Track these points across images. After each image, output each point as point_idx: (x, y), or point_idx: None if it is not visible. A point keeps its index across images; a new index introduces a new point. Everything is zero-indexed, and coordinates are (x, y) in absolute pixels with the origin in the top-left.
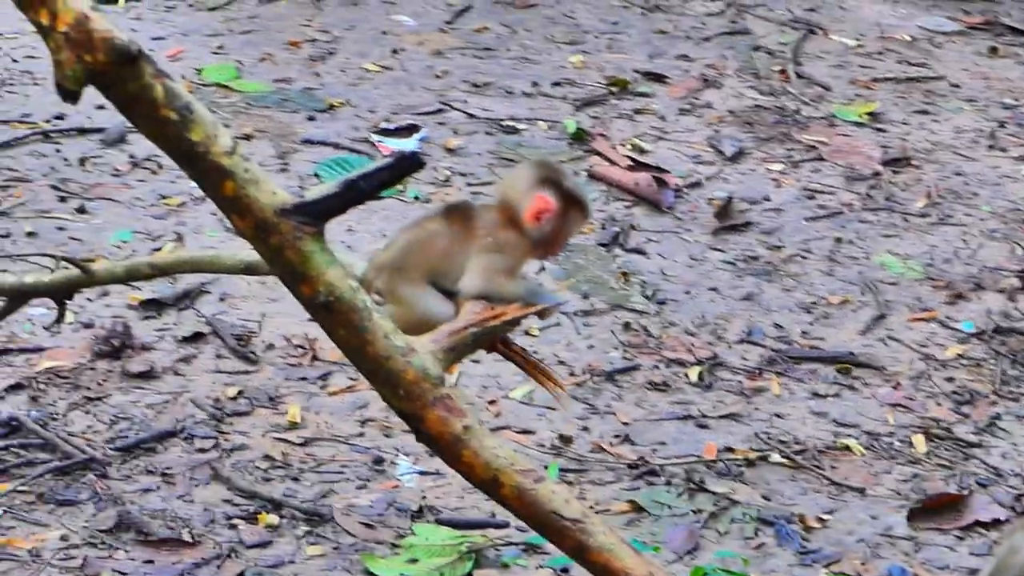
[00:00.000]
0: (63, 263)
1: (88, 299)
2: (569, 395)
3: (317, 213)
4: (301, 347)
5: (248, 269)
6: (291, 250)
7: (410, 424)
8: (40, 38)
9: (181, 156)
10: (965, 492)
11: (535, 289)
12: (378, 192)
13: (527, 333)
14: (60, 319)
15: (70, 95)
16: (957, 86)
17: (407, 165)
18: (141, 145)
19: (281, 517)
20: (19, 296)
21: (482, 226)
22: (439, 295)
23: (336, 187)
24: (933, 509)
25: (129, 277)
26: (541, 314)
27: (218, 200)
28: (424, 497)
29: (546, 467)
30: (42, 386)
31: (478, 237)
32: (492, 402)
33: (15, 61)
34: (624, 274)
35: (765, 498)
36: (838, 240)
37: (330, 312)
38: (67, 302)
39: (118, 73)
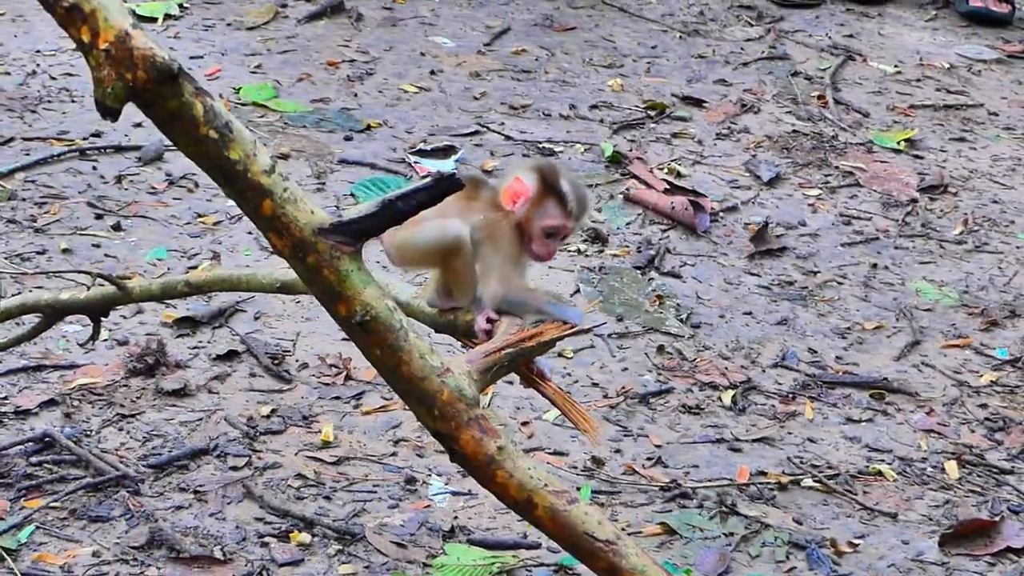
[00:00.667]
0: (99, 280)
1: (123, 316)
2: (599, 433)
3: (355, 233)
4: (335, 366)
5: (283, 288)
6: (328, 269)
7: (444, 444)
8: (79, 55)
9: (220, 174)
10: (997, 518)
11: (552, 300)
12: (416, 212)
13: (561, 355)
14: (95, 336)
15: (110, 112)
16: (995, 114)
17: (445, 185)
18: (177, 163)
19: (313, 536)
20: (55, 313)
21: (481, 201)
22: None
23: (374, 207)
24: (964, 535)
25: (164, 295)
26: (577, 333)
27: (256, 219)
28: (456, 517)
29: (579, 489)
30: (76, 403)
31: (475, 211)
32: (525, 423)
33: (53, 79)
34: (659, 297)
35: (797, 522)
36: (874, 266)
37: (366, 331)
38: (102, 319)
39: (158, 91)
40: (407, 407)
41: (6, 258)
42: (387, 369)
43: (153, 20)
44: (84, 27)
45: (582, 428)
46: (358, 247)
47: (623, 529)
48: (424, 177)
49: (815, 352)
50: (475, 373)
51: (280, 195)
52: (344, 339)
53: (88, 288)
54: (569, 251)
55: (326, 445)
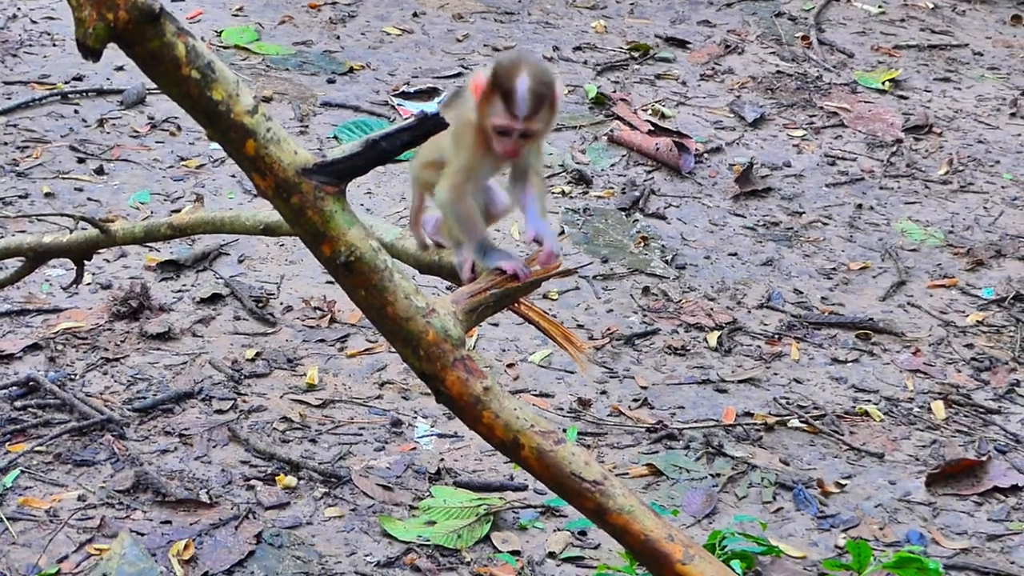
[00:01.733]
0: (81, 223)
1: (106, 260)
2: (589, 357)
3: (339, 173)
4: (319, 309)
5: (267, 230)
6: (312, 210)
7: (430, 385)
8: None
9: (202, 115)
10: (984, 458)
11: (486, 243)
12: (400, 152)
13: (546, 296)
14: (78, 280)
15: (91, 53)
16: (980, 54)
17: (429, 125)
18: (160, 106)
19: (299, 479)
20: (38, 256)
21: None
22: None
23: (358, 147)
24: (951, 475)
25: (148, 237)
26: (562, 275)
27: (239, 159)
28: (442, 460)
29: (565, 431)
30: (60, 347)
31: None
32: (511, 365)
33: (34, 22)
34: (644, 238)
35: (783, 463)
36: (859, 206)
37: (351, 272)
38: (85, 263)
39: (140, 31)
40: (392, 348)
41: None
42: (372, 310)
43: None
44: None
45: (571, 352)
46: (342, 187)
47: (610, 470)
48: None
49: (801, 293)
50: (461, 314)
51: (263, 135)
52: (328, 282)
53: (71, 231)
54: (554, 192)
55: (311, 388)
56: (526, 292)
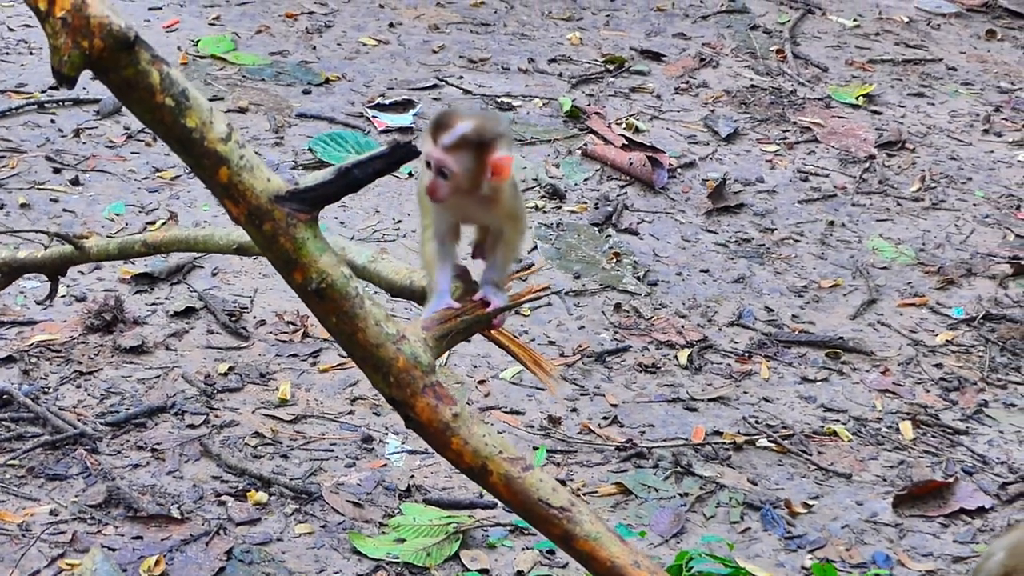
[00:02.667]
0: (56, 239)
1: (81, 272)
2: (559, 379)
3: (311, 200)
4: (292, 324)
5: (240, 249)
6: (284, 237)
7: (400, 411)
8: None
9: (176, 142)
10: (951, 479)
11: (436, 280)
12: (372, 180)
13: (518, 313)
14: (52, 295)
15: (66, 80)
16: (954, 69)
17: (402, 154)
18: (136, 118)
19: (270, 494)
20: (12, 271)
21: None
22: None
23: (330, 175)
24: (918, 496)
25: (122, 254)
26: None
27: (212, 186)
28: (412, 476)
29: (535, 448)
30: (34, 360)
31: None
32: (482, 382)
33: (11, 30)
34: (616, 254)
35: (752, 482)
36: (831, 223)
37: (322, 299)
38: (60, 278)
39: (115, 59)
40: (364, 374)
41: None
42: (343, 336)
43: None
44: None
45: (540, 376)
46: (314, 215)
47: (578, 488)
48: (382, 132)
49: (771, 311)
50: (431, 340)
51: (236, 163)
52: None
53: (45, 247)
54: (527, 207)
55: (283, 403)
56: (496, 319)
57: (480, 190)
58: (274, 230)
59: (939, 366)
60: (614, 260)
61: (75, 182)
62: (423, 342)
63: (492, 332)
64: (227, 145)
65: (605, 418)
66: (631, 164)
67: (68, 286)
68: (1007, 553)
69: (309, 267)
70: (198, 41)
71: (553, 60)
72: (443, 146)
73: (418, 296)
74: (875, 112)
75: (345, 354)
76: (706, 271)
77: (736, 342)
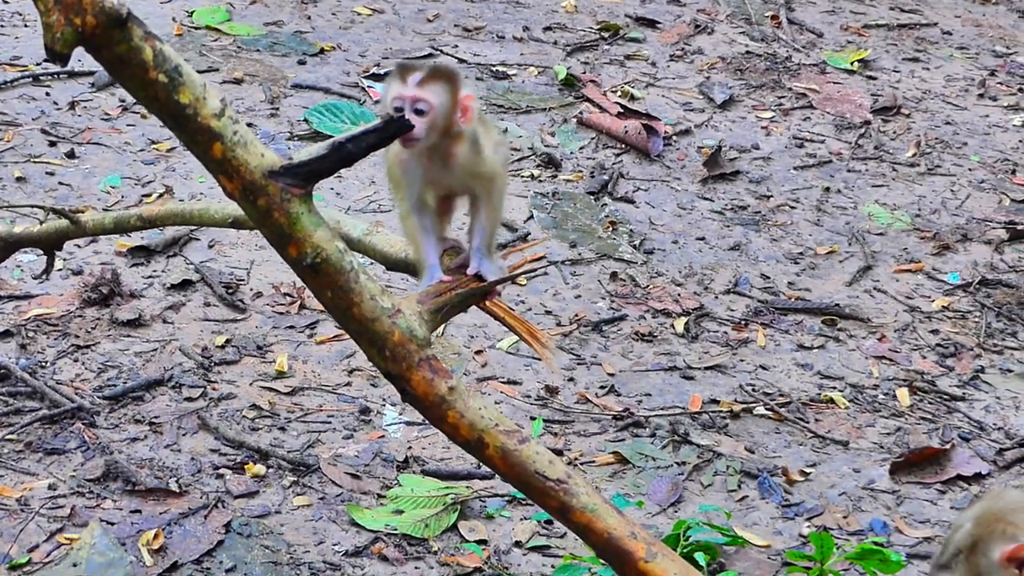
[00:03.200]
0: (52, 213)
1: (77, 246)
2: (555, 351)
3: (305, 175)
4: (289, 295)
5: (236, 223)
6: (279, 212)
7: (396, 385)
8: None
9: (170, 118)
10: (947, 446)
11: (423, 256)
12: (366, 154)
13: (514, 282)
14: (48, 270)
15: (59, 57)
16: (949, 33)
17: (395, 128)
18: (129, 94)
19: (268, 467)
20: (8, 246)
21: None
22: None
23: (324, 149)
24: (915, 463)
25: (118, 228)
26: (526, 273)
27: (206, 162)
28: (410, 448)
29: (532, 419)
30: (31, 333)
31: None
32: (479, 352)
33: (6, 2)
34: (612, 223)
35: (749, 451)
36: (826, 190)
37: (317, 273)
38: (56, 252)
39: (108, 36)
40: (359, 348)
41: None
42: (338, 310)
43: None
44: None
45: (537, 348)
46: (308, 189)
47: (576, 458)
48: (376, 103)
49: (767, 278)
50: (426, 313)
51: (230, 138)
52: None
53: (42, 221)
54: (523, 176)
55: (280, 375)
56: (491, 291)
57: (451, 134)
58: (268, 205)
59: (935, 332)
60: (610, 229)
61: (71, 155)
62: (418, 316)
63: (488, 304)
64: (220, 121)
65: (602, 387)
66: (626, 132)
67: (64, 259)
68: (974, 523)
69: (304, 242)
70: (193, 12)
71: (548, 28)
72: (415, 82)
73: (413, 269)
74: (870, 77)
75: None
76: (702, 239)
77: (732, 310)
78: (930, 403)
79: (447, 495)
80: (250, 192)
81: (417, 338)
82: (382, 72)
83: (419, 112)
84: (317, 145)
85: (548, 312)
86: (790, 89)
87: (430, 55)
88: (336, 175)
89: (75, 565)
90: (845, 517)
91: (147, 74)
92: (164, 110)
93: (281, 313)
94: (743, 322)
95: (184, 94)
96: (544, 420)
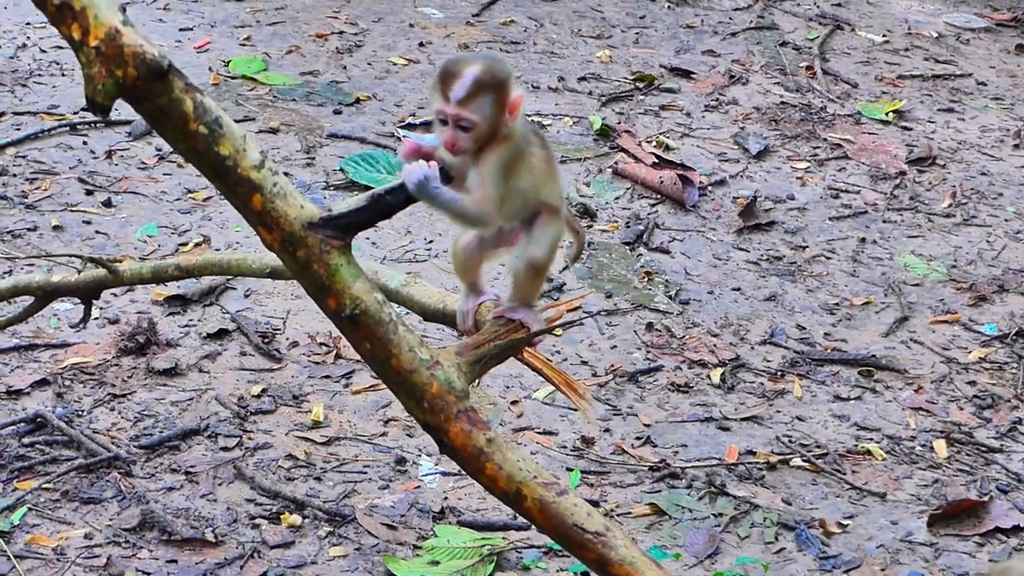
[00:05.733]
0: (90, 263)
1: (114, 295)
2: (592, 402)
3: (344, 227)
4: (325, 345)
5: (273, 273)
6: (318, 263)
7: (434, 436)
8: None
9: (209, 169)
10: (985, 498)
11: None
12: (405, 207)
13: (550, 333)
14: (86, 319)
15: (101, 109)
16: (983, 84)
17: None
18: (169, 145)
19: (304, 517)
20: (46, 295)
21: None
22: None
23: (363, 201)
24: (953, 515)
25: (155, 278)
26: (566, 325)
27: (246, 213)
28: (446, 498)
29: (569, 470)
30: (68, 382)
31: None
32: (515, 402)
33: (43, 51)
34: (648, 273)
35: (786, 502)
36: (862, 240)
37: (356, 325)
38: (93, 301)
39: (148, 87)
40: (397, 399)
41: None
42: (377, 362)
43: None
44: (75, 24)
45: (574, 399)
46: (347, 241)
47: (612, 510)
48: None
49: (804, 328)
50: (464, 365)
51: (270, 190)
52: None
53: (79, 271)
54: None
55: (316, 425)
56: (528, 343)
57: (498, 137)
58: (307, 257)
59: (972, 383)
60: (646, 279)
61: (107, 204)
62: (456, 367)
63: (525, 355)
64: (260, 172)
65: (638, 438)
66: (662, 182)
67: (101, 308)
68: None
69: (343, 293)
70: (229, 61)
71: (583, 78)
72: (458, 99)
73: (450, 320)
74: (905, 128)
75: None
76: (738, 289)
77: (769, 360)
78: (967, 455)
79: (483, 546)
80: (289, 244)
81: (455, 390)
82: (417, 122)
83: (464, 128)
84: (356, 197)
85: (584, 363)
86: (825, 140)
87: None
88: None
89: None
90: (883, 570)
91: (187, 126)
92: (204, 161)
93: (317, 363)
94: (779, 373)
95: (224, 146)
96: (580, 471)
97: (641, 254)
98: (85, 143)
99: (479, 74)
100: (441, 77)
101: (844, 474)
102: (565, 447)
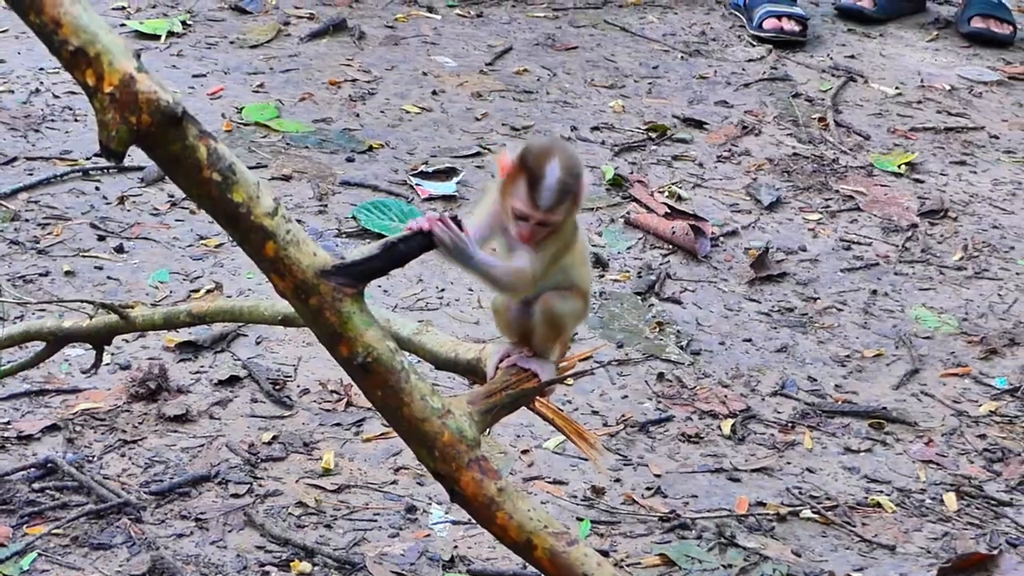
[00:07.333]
0: (102, 308)
1: (125, 340)
2: (603, 452)
3: (357, 275)
4: (336, 392)
5: (285, 321)
6: (330, 311)
7: (444, 485)
8: None
9: (222, 216)
10: (995, 552)
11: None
12: (418, 255)
13: (561, 382)
14: (97, 365)
15: (114, 155)
16: (996, 137)
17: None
18: (182, 191)
19: (314, 565)
20: (58, 340)
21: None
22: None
23: (376, 249)
24: (963, 568)
25: (167, 324)
26: (577, 375)
27: (258, 260)
28: (456, 547)
29: (579, 520)
30: (78, 428)
31: None
32: (525, 451)
33: (56, 97)
34: (659, 323)
35: (796, 554)
36: (873, 292)
37: (368, 373)
38: (105, 347)
39: (162, 134)
40: (408, 447)
41: (8, 280)
42: (388, 410)
43: (156, 37)
44: (89, 70)
45: (585, 449)
46: (360, 289)
47: (622, 560)
48: (425, 199)
49: (814, 380)
50: (476, 414)
51: (283, 237)
52: None
53: (91, 316)
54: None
55: (327, 472)
56: (540, 392)
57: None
58: (320, 304)
59: (983, 437)
60: (657, 329)
61: (119, 250)
62: (468, 416)
63: (537, 404)
64: (274, 220)
65: (648, 488)
66: (674, 233)
67: (112, 354)
68: None
69: (355, 341)
70: (242, 108)
71: (596, 128)
72: (547, 206)
73: (462, 369)
74: (917, 180)
75: (388, 424)
76: (749, 340)
77: (779, 412)
78: (977, 508)
79: None
80: (302, 291)
81: (467, 439)
82: (430, 170)
83: (544, 225)
84: (369, 245)
85: (595, 412)
86: (837, 191)
87: (478, 154)
88: None
89: None
90: None
91: (201, 173)
92: (217, 208)
93: (328, 410)
94: (790, 424)
95: (238, 193)
96: (590, 521)
97: (653, 304)
98: (97, 188)
99: (565, 179)
100: (528, 178)
101: (854, 526)
102: (575, 497)
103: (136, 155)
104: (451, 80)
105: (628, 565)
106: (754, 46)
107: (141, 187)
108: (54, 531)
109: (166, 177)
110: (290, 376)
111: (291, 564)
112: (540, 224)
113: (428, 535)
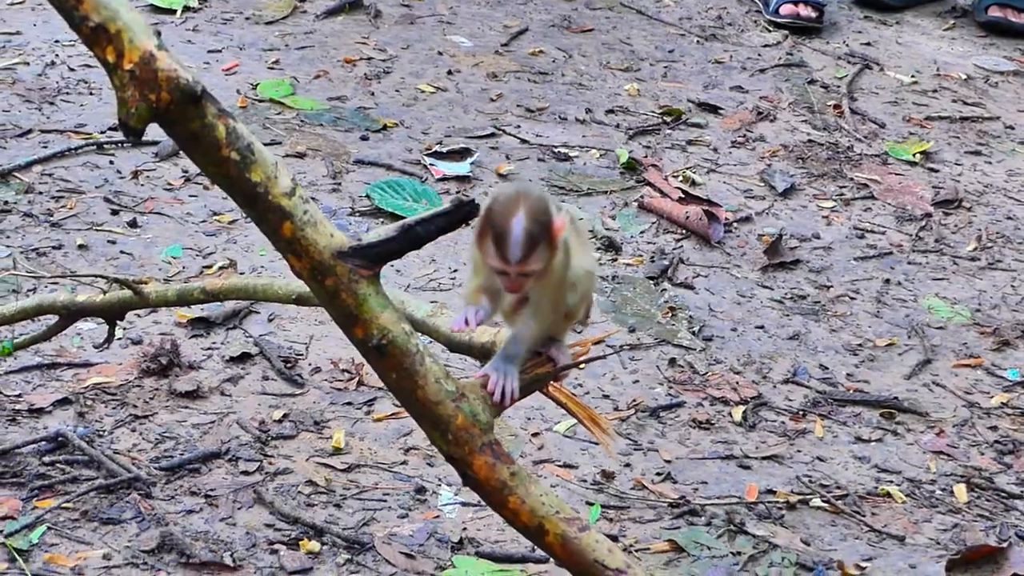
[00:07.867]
0: (115, 284)
1: (137, 315)
2: (615, 437)
3: (374, 257)
4: (347, 371)
5: (299, 300)
6: (346, 292)
7: (457, 468)
8: None
9: (240, 196)
10: (1005, 544)
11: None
12: (435, 237)
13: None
14: (110, 339)
15: (133, 133)
16: (1011, 127)
17: (465, 212)
18: (199, 169)
19: (322, 544)
20: (71, 314)
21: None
22: None
23: (394, 231)
24: (972, 560)
25: (180, 301)
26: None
27: (275, 241)
28: (465, 529)
29: (589, 504)
30: (89, 402)
31: None
32: (536, 435)
33: (72, 70)
34: (672, 308)
35: (805, 543)
36: (887, 281)
37: (382, 355)
38: (118, 322)
39: (181, 112)
40: (421, 430)
41: (22, 252)
42: (402, 392)
43: (172, 12)
44: (110, 47)
45: (597, 435)
46: (376, 270)
47: (631, 545)
48: (439, 180)
49: (826, 368)
50: (490, 398)
51: (300, 217)
52: None
53: (104, 291)
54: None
55: (337, 452)
56: (554, 378)
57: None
58: (336, 285)
59: (994, 428)
60: (669, 314)
61: (133, 224)
62: (482, 400)
63: (551, 389)
64: (291, 200)
65: (658, 474)
66: (687, 217)
67: (124, 329)
68: None
69: (370, 323)
70: (257, 85)
71: (610, 111)
72: (517, 260)
73: (476, 352)
74: (932, 170)
75: (399, 403)
76: (761, 327)
77: (791, 400)
78: (987, 500)
79: None
80: (318, 272)
81: (480, 422)
82: (444, 150)
83: (524, 275)
84: (387, 227)
85: (606, 396)
86: (851, 179)
87: (492, 135)
88: None
89: None
90: None
91: (219, 151)
92: (234, 187)
93: (339, 389)
94: (801, 412)
95: (256, 172)
96: (600, 505)
97: (665, 289)
98: (112, 162)
99: (531, 229)
100: (494, 235)
101: (863, 516)
102: (585, 481)
103: (151, 129)
104: (466, 60)
105: (637, 550)
106: (770, 31)
107: (155, 162)
108: (64, 505)
109: (180, 152)
110: (302, 354)
111: (300, 542)
112: (521, 274)
113: (437, 516)
